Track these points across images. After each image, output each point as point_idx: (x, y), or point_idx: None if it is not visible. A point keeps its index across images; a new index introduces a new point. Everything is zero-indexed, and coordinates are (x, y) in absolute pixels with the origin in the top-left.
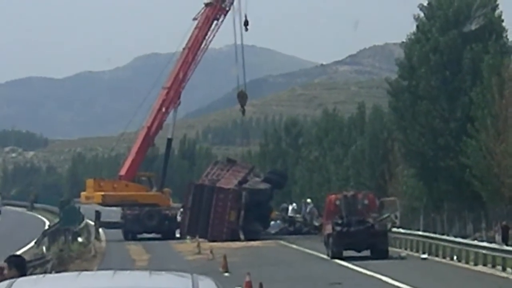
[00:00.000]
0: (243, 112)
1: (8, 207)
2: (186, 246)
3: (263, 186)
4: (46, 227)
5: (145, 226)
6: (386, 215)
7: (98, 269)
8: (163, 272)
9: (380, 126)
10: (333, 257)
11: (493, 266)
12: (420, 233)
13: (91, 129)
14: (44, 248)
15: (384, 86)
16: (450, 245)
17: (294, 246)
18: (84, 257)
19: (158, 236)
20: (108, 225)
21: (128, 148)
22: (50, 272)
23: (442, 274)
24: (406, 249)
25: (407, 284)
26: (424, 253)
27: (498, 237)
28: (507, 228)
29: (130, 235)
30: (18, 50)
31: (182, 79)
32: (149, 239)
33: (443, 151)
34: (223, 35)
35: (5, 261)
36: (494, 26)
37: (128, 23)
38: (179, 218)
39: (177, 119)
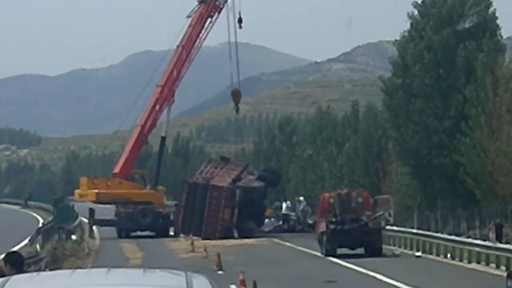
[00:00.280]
0: (237, 110)
1: (2, 205)
2: (180, 244)
3: (257, 184)
4: (40, 225)
5: (139, 224)
6: (380, 213)
7: (92, 267)
8: (157, 270)
9: (374, 124)
10: (327, 255)
11: (487, 264)
12: (414, 231)
13: (85, 127)
14: (38, 246)
15: (378, 84)
16: (444, 243)
17: (288, 244)
18: (78, 255)
19: (152, 234)
20: (102, 223)
21: (122, 146)
22: (44, 270)
23: (436, 272)
24: (400, 247)
25: (401, 282)
26: (418, 251)
27: (492, 235)
28: (500, 226)
29: (124, 233)
30: (11, 48)
31: (176, 77)
32: (143, 237)
33: (437, 149)
34: (217, 33)
35: (3, 258)
36: (488, 24)
37: (122, 20)
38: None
39: (171, 117)
